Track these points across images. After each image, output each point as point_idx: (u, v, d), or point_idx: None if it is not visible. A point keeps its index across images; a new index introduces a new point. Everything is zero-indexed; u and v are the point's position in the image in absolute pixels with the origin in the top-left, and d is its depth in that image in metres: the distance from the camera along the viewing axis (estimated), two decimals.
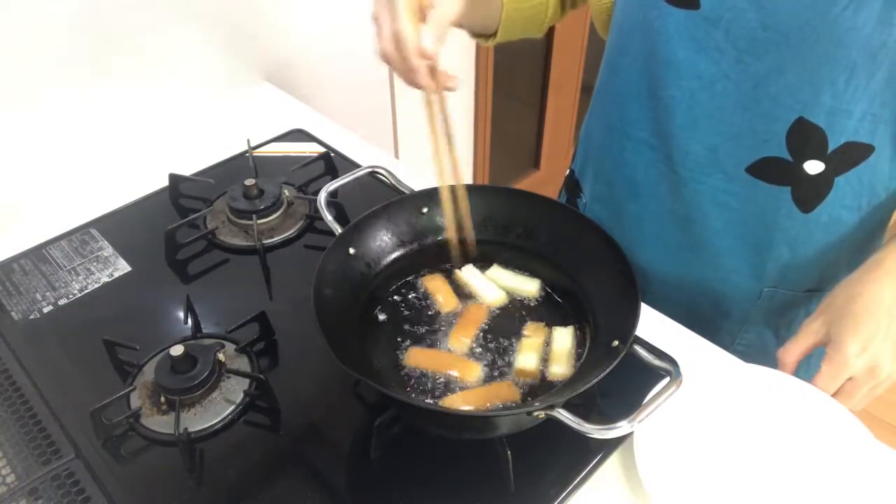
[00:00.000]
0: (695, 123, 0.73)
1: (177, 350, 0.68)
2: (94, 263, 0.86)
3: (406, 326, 0.72)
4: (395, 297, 0.75)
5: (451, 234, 0.75)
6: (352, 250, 0.71)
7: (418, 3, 0.59)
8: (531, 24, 0.88)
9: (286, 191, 0.96)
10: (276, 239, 0.90)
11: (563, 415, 0.55)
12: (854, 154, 0.69)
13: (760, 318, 0.83)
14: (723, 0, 0.66)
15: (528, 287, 0.75)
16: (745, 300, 0.82)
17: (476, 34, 0.89)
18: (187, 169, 1.00)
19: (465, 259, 0.77)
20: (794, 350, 0.70)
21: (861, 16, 0.61)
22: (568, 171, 1.00)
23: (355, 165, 1.02)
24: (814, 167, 0.70)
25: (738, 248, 0.78)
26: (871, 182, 0.71)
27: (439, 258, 0.77)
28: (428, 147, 0.67)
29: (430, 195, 0.76)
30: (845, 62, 0.63)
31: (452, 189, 0.72)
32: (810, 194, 0.72)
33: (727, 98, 0.70)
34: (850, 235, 0.75)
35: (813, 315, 0.70)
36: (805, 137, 0.68)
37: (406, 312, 0.74)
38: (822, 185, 0.71)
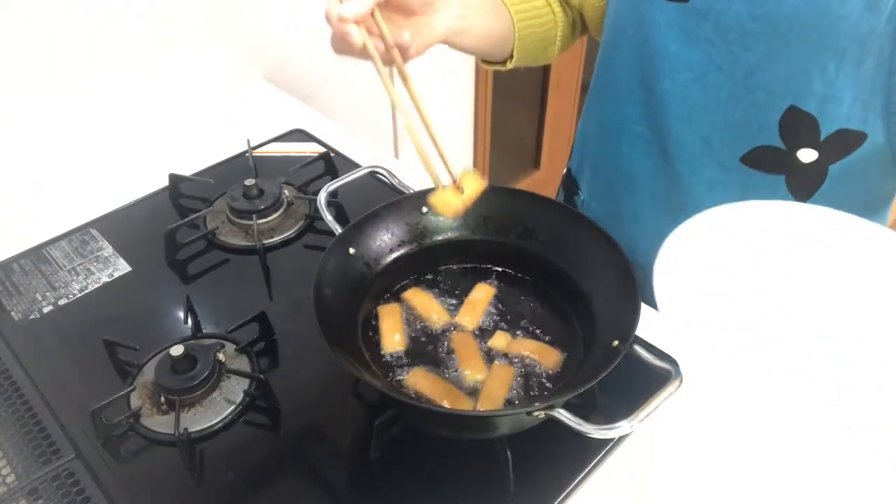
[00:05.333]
0: (689, 115, 0.74)
1: (177, 350, 0.68)
2: (94, 263, 0.86)
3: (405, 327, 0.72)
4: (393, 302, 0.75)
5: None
6: (352, 250, 0.71)
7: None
8: (545, 45, 0.87)
9: (286, 191, 0.95)
10: (276, 239, 0.90)
11: (563, 415, 0.55)
12: (847, 141, 0.69)
13: None
14: None
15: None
16: None
17: (489, 62, 0.88)
18: (187, 169, 1.00)
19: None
20: None
21: (849, 3, 0.62)
22: (565, 170, 1.00)
23: (355, 165, 1.02)
24: (807, 155, 0.70)
25: None
26: (864, 170, 0.71)
27: (440, 259, 0.78)
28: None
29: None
30: (834, 49, 0.64)
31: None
32: (805, 183, 0.73)
33: (720, 89, 0.71)
34: None
35: None
36: (797, 125, 0.69)
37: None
38: (816, 173, 0.72)
